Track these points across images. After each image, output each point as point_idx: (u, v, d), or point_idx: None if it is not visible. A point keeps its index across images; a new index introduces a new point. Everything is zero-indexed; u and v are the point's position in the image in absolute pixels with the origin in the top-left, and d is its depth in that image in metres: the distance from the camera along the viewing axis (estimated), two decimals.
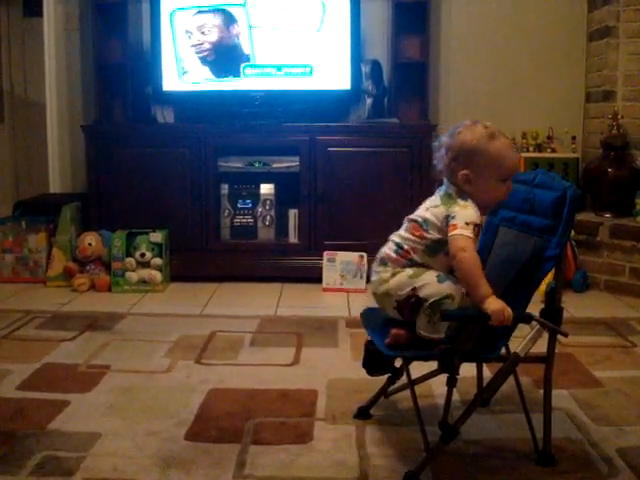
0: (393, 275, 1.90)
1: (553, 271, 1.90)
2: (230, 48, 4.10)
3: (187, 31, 4.09)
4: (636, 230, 3.74)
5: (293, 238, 4.12)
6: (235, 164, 4.08)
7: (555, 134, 4.31)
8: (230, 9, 4.06)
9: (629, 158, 4.01)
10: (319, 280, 3.93)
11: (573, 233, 3.83)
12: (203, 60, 4.11)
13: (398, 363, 2.03)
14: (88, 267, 3.92)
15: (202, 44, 4.09)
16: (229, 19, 4.07)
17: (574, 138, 4.34)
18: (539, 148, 4.29)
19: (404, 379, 2.06)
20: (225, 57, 4.12)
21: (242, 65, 4.10)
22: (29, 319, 3.29)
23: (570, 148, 4.33)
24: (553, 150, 4.29)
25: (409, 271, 1.88)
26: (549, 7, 4.40)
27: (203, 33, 4.08)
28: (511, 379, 2.01)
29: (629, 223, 3.82)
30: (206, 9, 4.08)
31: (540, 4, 4.41)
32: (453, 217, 1.83)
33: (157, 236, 3.91)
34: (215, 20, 4.08)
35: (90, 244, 3.92)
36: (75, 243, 3.98)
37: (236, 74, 4.11)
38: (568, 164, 4.20)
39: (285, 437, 2.09)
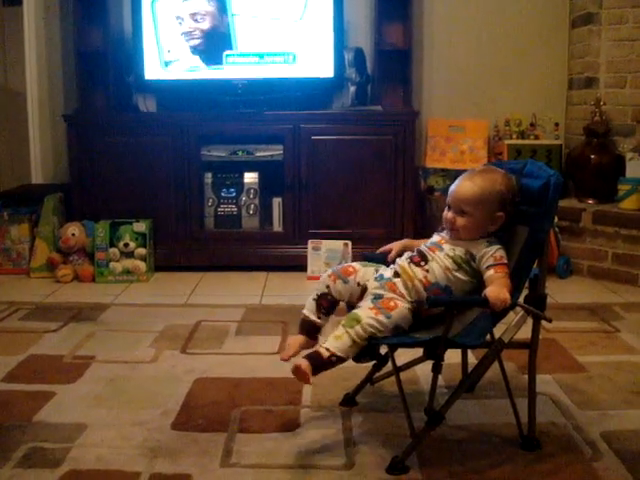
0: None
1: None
2: (218, 36, 4.07)
3: (178, 17, 4.05)
4: (619, 216, 3.76)
5: (277, 227, 4.12)
6: (218, 153, 4.07)
7: (538, 121, 4.33)
8: None
9: (612, 145, 4.04)
10: (304, 268, 3.93)
11: (556, 219, 3.86)
12: (193, 48, 4.07)
13: (384, 350, 2.03)
14: (71, 258, 3.90)
15: (194, 31, 4.06)
16: (222, 6, 4.03)
17: (557, 125, 4.36)
18: (522, 135, 4.30)
19: (389, 366, 2.07)
20: (212, 45, 4.09)
21: (224, 53, 4.08)
22: (13, 311, 3.27)
23: (553, 135, 4.35)
24: (536, 137, 4.30)
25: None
26: None
27: (196, 20, 4.05)
28: (496, 365, 2.02)
29: (612, 209, 3.84)
30: None
31: None
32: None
33: (141, 226, 3.90)
34: (209, 7, 4.04)
35: (73, 234, 3.89)
36: (58, 234, 3.95)
37: (219, 62, 4.09)
38: (551, 151, 4.21)
39: (271, 425, 2.10)
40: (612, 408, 2.22)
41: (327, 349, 1.84)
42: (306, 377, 1.81)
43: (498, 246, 1.92)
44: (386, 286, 1.95)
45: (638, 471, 1.83)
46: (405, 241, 2.16)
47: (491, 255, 1.89)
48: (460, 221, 1.95)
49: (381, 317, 1.85)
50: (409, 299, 1.91)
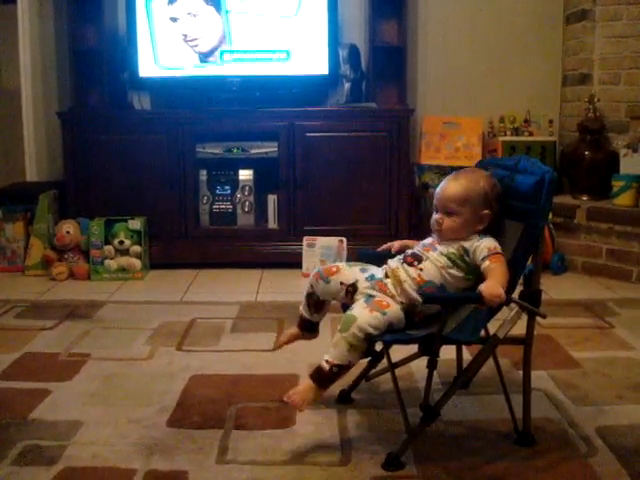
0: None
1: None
2: (213, 33, 4.07)
3: (173, 15, 4.04)
4: (613, 212, 3.77)
5: (272, 224, 4.12)
6: (213, 150, 4.06)
7: (532, 117, 4.34)
8: None
9: (606, 141, 4.05)
10: (299, 265, 3.93)
11: (551, 216, 3.87)
12: (188, 46, 4.06)
13: (379, 347, 2.04)
14: (67, 255, 3.89)
15: (189, 29, 4.05)
16: (216, 4, 4.02)
17: (551, 121, 4.37)
18: (517, 132, 4.31)
19: (385, 362, 2.08)
20: (207, 43, 4.08)
21: (219, 50, 4.07)
22: (8, 308, 3.27)
23: (547, 131, 4.36)
24: (530, 134, 4.31)
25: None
26: None
27: (191, 18, 4.04)
28: (491, 361, 2.03)
29: (606, 205, 3.86)
30: None
31: None
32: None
33: (136, 223, 3.89)
34: (203, 5, 4.03)
35: (68, 232, 3.89)
36: (53, 231, 3.95)
37: (214, 60, 4.08)
38: (545, 147, 4.23)
39: (267, 422, 2.10)
40: (607, 403, 2.23)
41: (327, 361, 1.86)
42: (301, 404, 1.86)
43: (490, 238, 1.93)
44: (377, 286, 1.96)
45: (633, 466, 1.84)
46: (405, 241, 2.18)
47: (485, 246, 1.90)
48: (447, 221, 1.97)
49: (376, 313, 1.85)
50: (399, 300, 1.92)
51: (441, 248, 1.96)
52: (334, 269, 2.05)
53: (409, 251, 2.03)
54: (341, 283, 2.01)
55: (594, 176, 3.98)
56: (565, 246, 3.97)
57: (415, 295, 1.91)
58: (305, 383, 1.88)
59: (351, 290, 2.00)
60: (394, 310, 1.89)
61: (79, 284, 3.76)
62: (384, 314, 1.86)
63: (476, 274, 1.92)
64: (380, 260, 2.08)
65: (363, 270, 2.04)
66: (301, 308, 2.14)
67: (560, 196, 4.06)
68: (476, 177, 1.99)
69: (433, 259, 1.95)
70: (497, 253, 1.89)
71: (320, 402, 2.19)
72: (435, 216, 2.00)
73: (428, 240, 2.04)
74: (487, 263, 1.87)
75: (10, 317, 3.16)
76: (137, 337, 2.88)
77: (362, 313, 1.86)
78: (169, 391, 2.33)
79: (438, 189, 2.03)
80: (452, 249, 1.94)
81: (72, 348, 2.76)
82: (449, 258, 1.93)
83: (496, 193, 1.98)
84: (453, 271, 1.93)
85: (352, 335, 1.83)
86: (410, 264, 1.97)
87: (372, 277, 2.00)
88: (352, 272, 2.03)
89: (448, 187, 2.00)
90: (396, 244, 2.15)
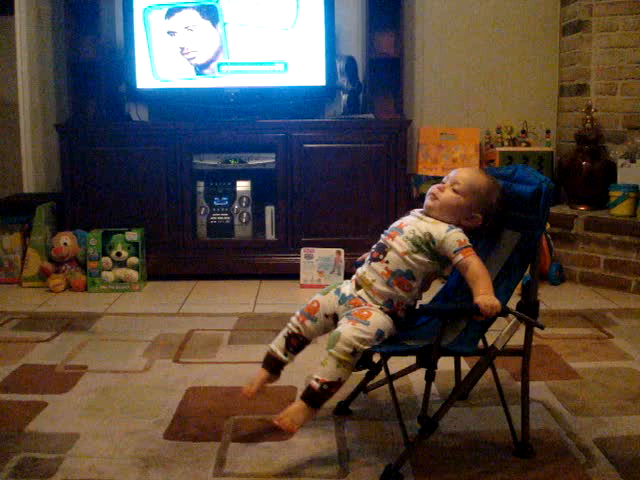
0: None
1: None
2: (211, 46, 4.08)
3: (170, 29, 4.05)
4: (610, 222, 3.78)
5: (270, 235, 4.11)
6: (211, 161, 4.07)
7: (529, 128, 4.35)
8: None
9: (603, 151, 4.06)
10: (297, 277, 3.93)
11: (548, 226, 3.87)
12: (185, 58, 4.07)
13: (376, 358, 2.03)
14: (64, 267, 3.89)
15: (186, 42, 4.06)
16: (214, 17, 4.04)
17: (548, 132, 4.37)
18: (514, 142, 4.32)
19: (383, 374, 2.07)
20: (205, 55, 4.09)
21: (217, 62, 4.08)
22: (5, 320, 3.26)
23: (544, 142, 4.36)
24: (528, 144, 4.31)
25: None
26: (523, 2, 4.43)
27: (189, 31, 4.05)
28: (489, 372, 2.02)
29: (603, 215, 3.86)
30: (184, 6, 4.03)
31: None
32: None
33: (133, 235, 3.89)
34: (201, 18, 4.05)
35: (65, 244, 3.88)
36: (50, 243, 3.94)
37: (212, 71, 4.09)
38: (543, 158, 4.23)
39: (265, 434, 2.09)
40: (606, 414, 2.22)
41: (317, 379, 1.86)
42: (292, 427, 1.85)
43: (459, 229, 1.94)
44: (351, 305, 1.97)
45: (632, 477, 1.83)
46: None
47: (455, 239, 1.91)
48: (447, 193, 1.99)
49: (359, 325, 1.86)
50: (377, 306, 1.94)
51: (407, 231, 1.96)
52: (315, 305, 2.04)
53: (375, 244, 2.04)
54: (326, 315, 2.02)
55: (591, 186, 3.99)
56: (563, 256, 3.97)
57: (386, 289, 1.93)
58: (296, 404, 1.88)
59: (336, 318, 2.00)
60: (376, 317, 1.90)
61: (76, 296, 3.75)
62: (367, 324, 1.87)
63: (441, 260, 1.94)
64: None
65: (337, 292, 2.04)
66: (273, 347, 2.08)
67: (558, 206, 4.07)
68: (493, 185, 2.00)
69: (397, 246, 1.95)
70: (468, 246, 1.90)
71: (318, 414, 2.19)
72: (437, 185, 2.02)
73: (396, 223, 2.04)
74: (460, 257, 1.88)
75: (7, 329, 3.15)
76: (134, 349, 2.87)
77: (346, 327, 1.87)
78: (166, 403, 2.32)
79: (456, 170, 2.04)
80: (418, 233, 1.95)
81: (69, 360, 2.75)
82: (414, 242, 1.94)
83: (499, 206, 1.99)
84: (417, 256, 1.93)
85: (339, 350, 1.84)
86: (376, 259, 1.98)
87: (344, 298, 2.00)
88: (329, 300, 2.03)
89: (468, 171, 2.03)
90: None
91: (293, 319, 2.07)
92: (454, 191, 1.98)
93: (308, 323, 2.03)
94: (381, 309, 1.93)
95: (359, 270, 2.03)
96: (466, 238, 1.93)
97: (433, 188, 2.02)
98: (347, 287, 2.03)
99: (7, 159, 5.11)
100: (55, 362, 2.72)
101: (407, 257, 1.93)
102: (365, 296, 1.96)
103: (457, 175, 2.01)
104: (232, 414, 2.23)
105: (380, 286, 1.94)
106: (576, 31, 4.19)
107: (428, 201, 2.01)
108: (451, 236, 1.92)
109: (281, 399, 2.32)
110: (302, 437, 2.07)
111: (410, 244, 1.94)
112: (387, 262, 1.95)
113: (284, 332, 2.08)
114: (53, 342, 2.97)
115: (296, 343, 2.06)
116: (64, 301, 3.65)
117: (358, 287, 1.99)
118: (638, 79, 3.95)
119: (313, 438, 2.07)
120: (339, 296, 2.02)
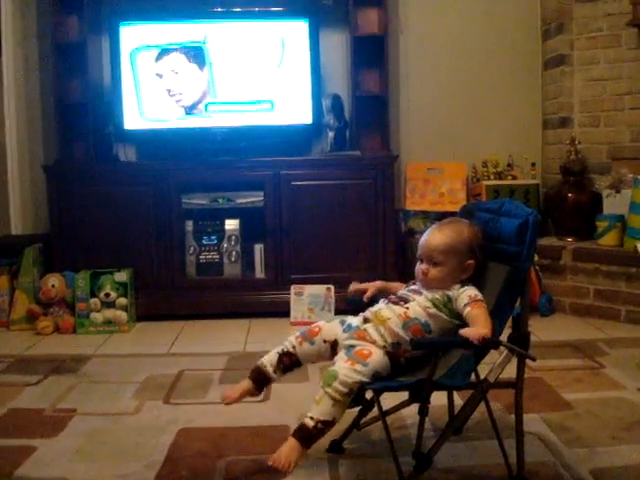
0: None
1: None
2: (198, 87, 4.11)
3: (158, 72, 4.09)
4: (598, 252, 3.80)
5: (259, 273, 4.11)
6: (199, 201, 4.07)
7: (515, 161, 4.39)
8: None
9: (588, 182, 4.09)
10: (287, 314, 3.91)
11: (537, 258, 3.88)
12: (173, 100, 4.11)
13: (369, 395, 2.02)
14: (52, 309, 3.86)
15: (173, 84, 4.10)
16: (200, 59, 4.08)
17: (534, 165, 4.41)
18: (500, 176, 4.35)
19: (375, 411, 2.05)
20: (192, 96, 4.12)
21: (204, 102, 4.11)
22: None
23: (530, 174, 4.40)
24: (514, 177, 4.35)
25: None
26: (504, 37, 4.51)
27: (176, 73, 4.09)
28: (482, 405, 2.01)
29: (591, 246, 3.88)
30: (171, 48, 4.08)
31: (495, 35, 4.51)
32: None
33: (122, 275, 3.87)
34: (187, 61, 4.09)
35: (53, 286, 3.86)
36: (38, 285, 3.92)
37: (199, 112, 4.12)
38: (529, 190, 4.26)
39: (257, 475, 2.06)
40: (600, 445, 2.21)
41: (311, 418, 1.85)
42: (288, 467, 1.84)
43: (472, 286, 1.96)
44: (355, 335, 1.96)
45: None
46: (379, 283, 2.18)
47: (466, 295, 1.93)
48: (433, 272, 1.99)
49: (358, 366, 1.85)
50: (382, 344, 1.92)
51: (426, 293, 1.99)
52: (316, 329, 2.04)
53: (393, 296, 2.04)
54: (324, 341, 2.01)
55: (578, 217, 4.02)
56: (552, 287, 3.97)
57: (400, 331, 1.91)
58: (288, 443, 1.87)
59: (334, 346, 1.99)
60: (376, 358, 1.88)
61: (65, 338, 3.72)
62: (366, 365, 1.86)
63: (459, 319, 1.93)
64: (369, 306, 2.08)
65: (342, 322, 2.04)
66: (264, 362, 2.06)
67: (545, 238, 4.09)
68: (460, 228, 2.02)
69: (419, 301, 1.97)
70: (478, 300, 1.91)
71: (311, 452, 2.17)
72: (420, 266, 2.03)
73: (414, 286, 2.05)
74: (468, 309, 1.89)
75: None
76: (124, 391, 2.84)
77: (343, 367, 1.86)
78: (157, 445, 2.29)
79: (422, 240, 2.05)
80: (437, 295, 1.97)
81: (58, 404, 2.71)
82: (433, 303, 1.95)
83: (479, 241, 2.00)
84: (437, 312, 1.95)
85: (335, 390, 1.83)
86: (395, 303, 1.98)
87: (349, 327, 2.00)
88: (332, 327, 2.03)
89: (433, 238, 2.02)
90: (370, 289, 2.14)
91: (291, 338, 2.06)
92: (435, 265, 1.99)
93: (305, 345, 2.02)
94: (384, 348, 1.92)
95: (373, 308, 2.02)
96: (477, 293, 1.93)
97: (418, 271, 2.02)
98: (354, 320, 2.02)
99: None
100: (44, 405, 2.68)
101: (428, 310, 1.95)
102: (372, 330, 1.95)
103: (428, 249, 2.01)
104: (224, 455, 2.20)
105: (395, 327, 1.93)
106: (558, 65, 4.25)
107: (423, 280, 2.01)
108: (464, 292, 1.94)
109: (274, 439, 2.29)
110: (295, 477, 2.03)
111: (431, 304, 1.95)
112: (407, 308, 1.96)
113: (278, 349, 2.06)
114: (42, 385, 2.94)
115: (288, 362, 2.04)
116: (52, 343, 3.62)
117: (366, 321, 1.99)
118: (620, 110, 4.00)
119: (307, 477, 2.04)
120: (344, 325, 2.02)
